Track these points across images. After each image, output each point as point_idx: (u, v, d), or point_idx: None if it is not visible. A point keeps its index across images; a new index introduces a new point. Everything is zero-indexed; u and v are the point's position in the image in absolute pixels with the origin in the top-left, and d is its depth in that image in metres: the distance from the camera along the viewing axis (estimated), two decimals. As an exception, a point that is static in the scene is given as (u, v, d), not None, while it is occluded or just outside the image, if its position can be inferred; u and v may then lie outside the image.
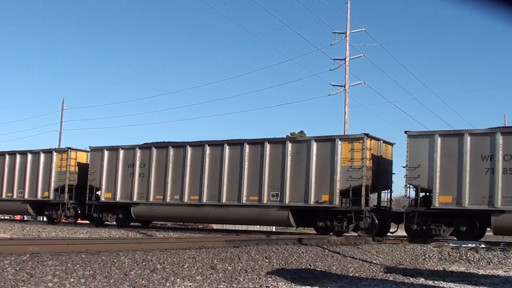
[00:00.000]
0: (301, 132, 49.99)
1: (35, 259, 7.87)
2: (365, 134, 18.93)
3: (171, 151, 22.50)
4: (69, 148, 26.12)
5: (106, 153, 24.24)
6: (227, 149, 21.17)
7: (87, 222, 26.54)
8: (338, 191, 18.82)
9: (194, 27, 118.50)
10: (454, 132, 17.82)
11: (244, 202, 20.58)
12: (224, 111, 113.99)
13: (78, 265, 7.79)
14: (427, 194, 18.02)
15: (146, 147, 23.33)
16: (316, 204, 19.18)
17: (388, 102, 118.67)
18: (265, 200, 20.13)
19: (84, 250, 9.41)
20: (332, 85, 33.03)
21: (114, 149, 24.16)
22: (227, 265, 9.53)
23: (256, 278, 8.74)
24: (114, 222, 24.63)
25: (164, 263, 8.85)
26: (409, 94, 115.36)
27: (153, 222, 26.31)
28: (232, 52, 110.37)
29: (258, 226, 29.78)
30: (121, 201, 23.71)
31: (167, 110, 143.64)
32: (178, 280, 7.93)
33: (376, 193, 20.77)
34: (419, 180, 17.74)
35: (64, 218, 26.21)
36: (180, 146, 22.43)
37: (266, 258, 10.76)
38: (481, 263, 14.08)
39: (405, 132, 18.08)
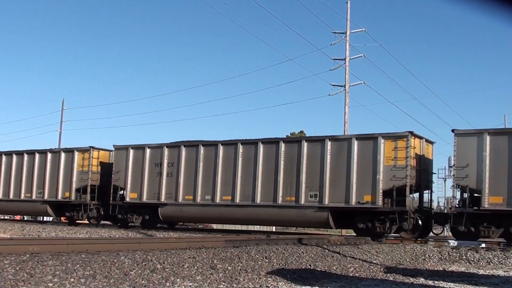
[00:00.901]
0: (301, 132, 49.94)
1: (35, 259, 7.88)
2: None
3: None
4: None
5: None
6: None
7: None
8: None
9: (194, 27, 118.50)
10: (139, 146, 23.32)
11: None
12: (224, 111, 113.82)
13: (78, 265, 7.80)
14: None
15: None
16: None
17: (388, 102, 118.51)
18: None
19: (84, 250, 9.41)
20: (332, 85, 32.99)
21: None
22: (227, 265, 9.53)
23: (256, 278, 8.73)
24: None
25: (164, 263, 8.85)
26: (409, 94, 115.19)
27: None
28: (232, 52, 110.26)
29: (258, 226, 30.01)
30: None
31: (167, 110, 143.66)
32: (178, 280, 7.93)
33: None
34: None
35: None
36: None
37: (266, 258, 10.76)
38: (481, 263, 14.08)
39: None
